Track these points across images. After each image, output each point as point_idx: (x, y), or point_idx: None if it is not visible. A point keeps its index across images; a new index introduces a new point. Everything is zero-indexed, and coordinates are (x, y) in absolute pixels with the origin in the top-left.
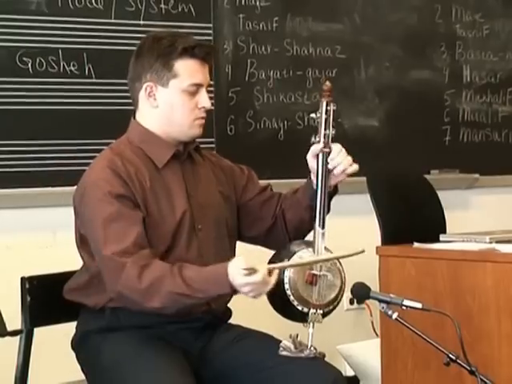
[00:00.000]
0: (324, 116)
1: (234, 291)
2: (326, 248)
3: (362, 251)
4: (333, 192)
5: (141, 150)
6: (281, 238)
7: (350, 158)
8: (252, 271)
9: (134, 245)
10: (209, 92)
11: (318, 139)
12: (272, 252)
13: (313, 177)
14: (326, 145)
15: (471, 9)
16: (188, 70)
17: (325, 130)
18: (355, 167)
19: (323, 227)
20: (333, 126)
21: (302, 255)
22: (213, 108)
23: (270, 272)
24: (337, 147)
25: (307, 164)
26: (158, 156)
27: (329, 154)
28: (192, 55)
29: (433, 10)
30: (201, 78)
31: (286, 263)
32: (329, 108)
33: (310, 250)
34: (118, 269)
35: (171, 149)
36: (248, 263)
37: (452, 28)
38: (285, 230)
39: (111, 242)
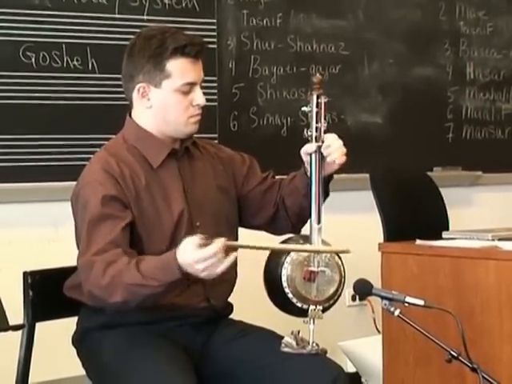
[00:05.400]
0: (315, 109)
1: (185, 274)
2: (323, 242)
3: (347, 251)
4: (329, 178)
5: (136, 149)
6: (284, 224)
7: (344, 149)
8: (207, 243)
9: (110, 243)
10: (212, 88)
11: (310, 133)
12: (278, 238)
13: (307, 165)
14: (319, 138)
15: (475, 6)
16: (180, 70)
17: (316, 123)
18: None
19: (319, 222)
20: (324, 119)
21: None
22: (216, 104)
23: (226, 252)
24: (332, 136)
25: (301, 157)
26: (153, 156)
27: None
28: (183, 54)
29: (437, 7)
30: (193, 76)
31: (247, 244)
32: (319, 101)
33: (307, 245)
34: (88, 268)
35: (166, 148)
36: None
37: (456, 25)
38: (286, 217)
39: (89, 247)
